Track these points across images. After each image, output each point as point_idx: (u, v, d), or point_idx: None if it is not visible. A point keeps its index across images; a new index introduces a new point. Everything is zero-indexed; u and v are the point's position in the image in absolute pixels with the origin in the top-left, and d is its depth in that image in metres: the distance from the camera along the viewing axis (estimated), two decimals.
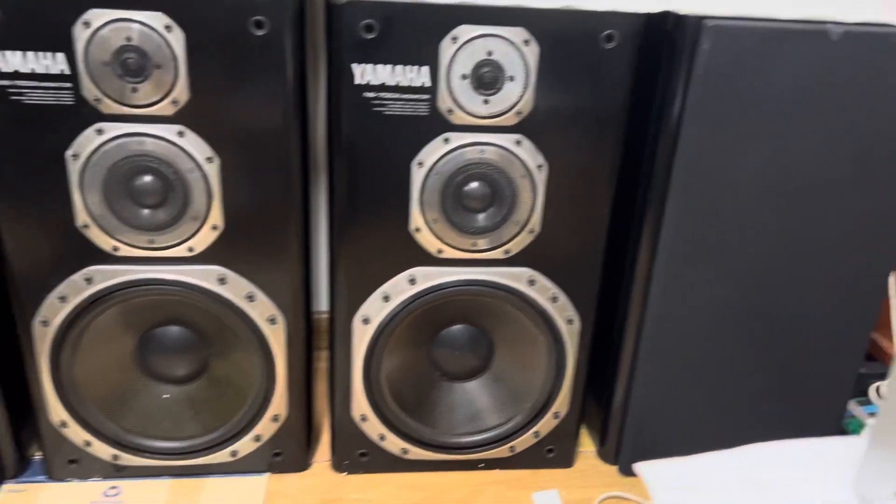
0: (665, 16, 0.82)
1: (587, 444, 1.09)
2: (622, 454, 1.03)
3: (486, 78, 0.80)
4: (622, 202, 0.90)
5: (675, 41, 0.81)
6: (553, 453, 1.03)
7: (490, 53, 0.79)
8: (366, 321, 0.91)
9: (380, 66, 0.78)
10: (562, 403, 0.99)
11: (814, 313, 0.96)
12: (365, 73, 0.78)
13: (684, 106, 0.82)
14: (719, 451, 0.93)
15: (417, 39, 0.78)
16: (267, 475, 1.00)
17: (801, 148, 0.85)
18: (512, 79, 0.80)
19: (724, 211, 0.88)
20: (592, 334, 0.95)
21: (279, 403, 0.95)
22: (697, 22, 0.79)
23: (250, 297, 0.88)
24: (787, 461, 0.78)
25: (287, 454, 0.99)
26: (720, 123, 0.83)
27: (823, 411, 1.03)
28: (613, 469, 1.05)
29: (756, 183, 0.87)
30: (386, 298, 0.90)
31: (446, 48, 0.78)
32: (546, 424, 1.00)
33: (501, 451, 1.01)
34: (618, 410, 1.01)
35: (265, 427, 0.96)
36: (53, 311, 0.86)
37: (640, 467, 0.80)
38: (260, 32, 0.76)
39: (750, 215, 0.88)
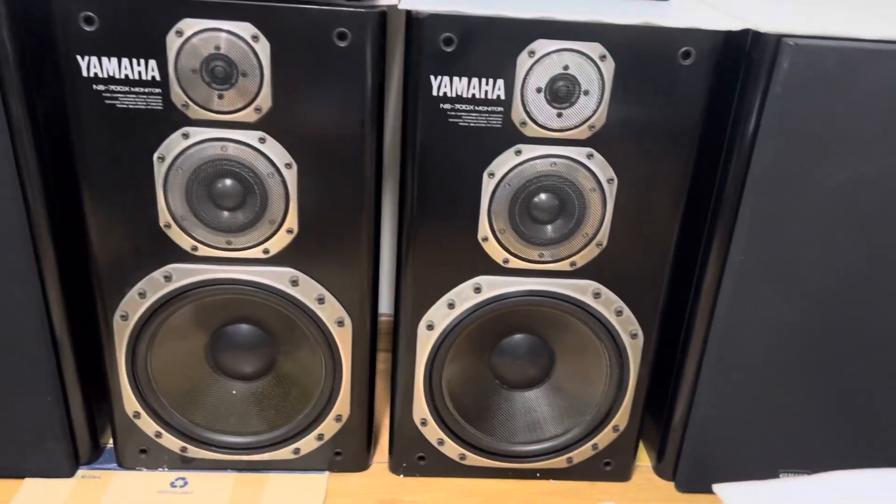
0: (744, 34, 0.82)
1: (644, 459, 1.09)
2: (680, 471, 1.03)
3: (561, 92, 0.81)
4: (691, 217, 0.89)
5: (753, 59, 0.81)
6: (610, 466, 1.03)
7: (566, 68, 0.79)
8: (430, 327, 0.93)
9: (456, 79, 0.80)
10: (622, 417, 0.99)
11: (887, 337, 0.94)
12: (442, 85, 0.80)
13: (759, 123, 0.82)
14: (803, 476, 0.92)
15: (495, 53, 0.79)
16: (327, 474, 1.02)
17: (880, 169, 0.84)
18: (587, 93, 0.81)
19: (796, 230, 0.87)
20: (655, 349, 0.95)
21: (343, 404, 0.97)
22: (777, 40, 0.79)
23: (320, 300, 0.90)
24: (875, 490, 0.76)
25: (347, 454, 1.01)
26: (796, 142, 0.82)
27: (895, 440, 1.00)
28: (670, 485, 1.05)
29: (831, 203, 0.85)
30: (451, 305, 0.92)
31: (523, 62, 0.79)
32: (605, 437, 1.00)
33: (559, 462, 1.02)
34: (678, 427, 1.00)
35: (328, 426, 0.98)
36: (133, 307, 0.89)
37: (720, 488, 0.80)
38: (343, 44, 0.78)
39: (823, 236, 0.87)
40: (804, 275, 0.90)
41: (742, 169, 0.84)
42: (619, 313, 0.92)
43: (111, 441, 1.01)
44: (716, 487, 0.78)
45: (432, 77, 0.80)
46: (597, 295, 0.91)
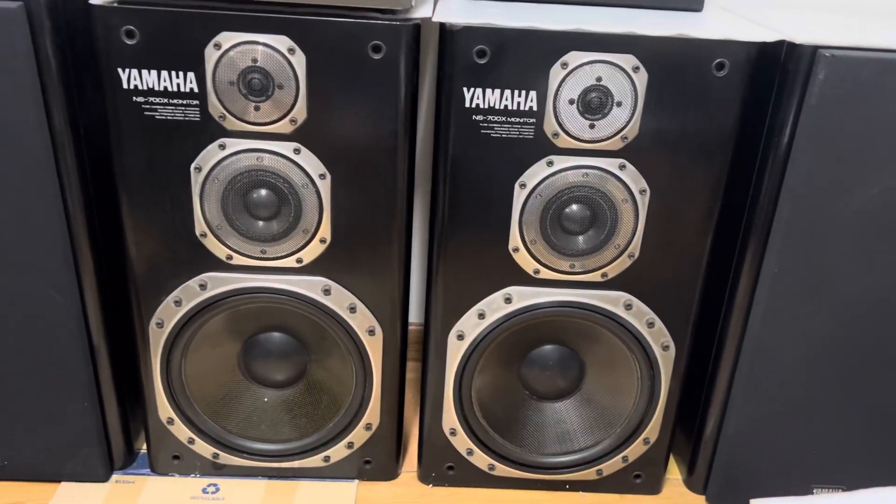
0: (779, 45, 0.81)
1: (674, 472, 1.08)
2: (711, 485, 1.02)
3: (594, 103, 0.81)
4: (725, 228, 0.89)
5: (788, 70, 0.80)
6: (640, 479, 1.02)
7: (599, 79, 0.80)
8: (460, 337, 0.93)
9: (489, 90, 0.80)
10: (652, 429, 0.98)
11: None
12: (475, 97, 0.81)
13: (794, 135, 0.81)
14: (840, 493, 0.91)
15: (528, 65, 0.79)
16: (356, 482, 1.02)
17: None
18: (619, 104, 0.81)
19: (831, 242, 0.86)
20: (687, 361, 0.95)
21: (373, 412, 0.97)
22: (812, 51, 0.78)
23: (352, 308, 0.91)
24: None
25: (377, 462, 1.02)
26: (832, 153, 0.82)
27: None
28: (701, 499, 1.04)
29: (866, 215, 0.84)
30: (481, 316, 0.92)
31: (556, 74, 0.79)
32: (635, 450, 1.00)
33: (588, 474, 1.01)
34: (709, 440, 0.99)
35: (358, 435, 0.99)
36: (169, 314, 0.91)
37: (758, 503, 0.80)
38: (377, 56, 0.79)
39: (859, 248, 0.86)
40: (839, 287, 0.88)
41: (776, 180, 0.84)
42: (650, 325, 0.92)
43: (145, 446, 1.02)
44: (754, 502, 0.78)
45: (465, 89, 0.80)
46: (628, 306, 0.91)
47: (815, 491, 1.00)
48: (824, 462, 0.99)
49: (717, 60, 0.79)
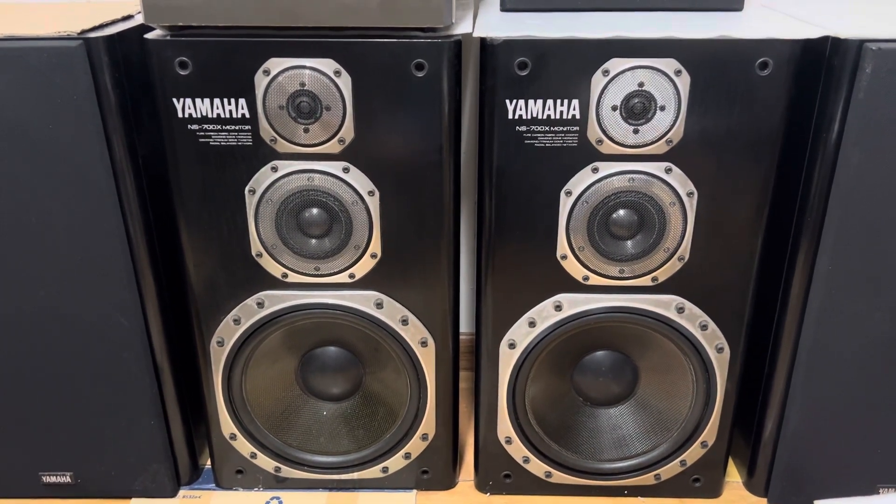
0: (823, 41, 0.81)
1: (733, 475, 1.07)
2: (772, 487, 1.00)
3: (637, 108, 0.81)
4: (776, 227, 0.88)
5: (833, 66, 0.80)
6: (699, 483, 1.01)
7: (641, 84, 0.80)
8: (512, 346, 0.94)
9: (532, 101, 0.81)
10: (710, 433, 0.97)
11: None
12: (517, 108, 0.82)
13: (843, 131, 0.80)
14: None
15: (569, 74, 0.80)
16: (415, 492, 1.04)
17: None
18: (663, 108, 0.81)
19: (885, 238, 0.85)
20: (742, 363, 0.94)
21: (429, 422, 0.99)
22: (858, 45, 0.77)
23: (404, 321, 0.93)
24: None
25: (434, 472, 1.03)
26: (882, 148, 0.81)
27: None
28: (763, 501, 1.02)
29: None
30: (532, 324, 0.93)
31: (597, 81, 0.80)
32: (693, 453, 0.99)
33: (646, 479, 1.01)
34: (768, 441, 0.98)
35: (415, 445, 1.00)
36: (228, 332, 0.93)
37: None
38: (420, 74, 0.80)
39: None
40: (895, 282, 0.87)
41: (826, 177, 0.83)
42: (703, 327, 0.91)
43: (209, 462, 1.05)
44: (818, 503, 0.77)
45: (508, 101, 0.81)
46: (680, 309, 0.91)
47: (880, 490, 0.98)
48: (889, 460, 0.97)
49: (761, 60, 0.78)
